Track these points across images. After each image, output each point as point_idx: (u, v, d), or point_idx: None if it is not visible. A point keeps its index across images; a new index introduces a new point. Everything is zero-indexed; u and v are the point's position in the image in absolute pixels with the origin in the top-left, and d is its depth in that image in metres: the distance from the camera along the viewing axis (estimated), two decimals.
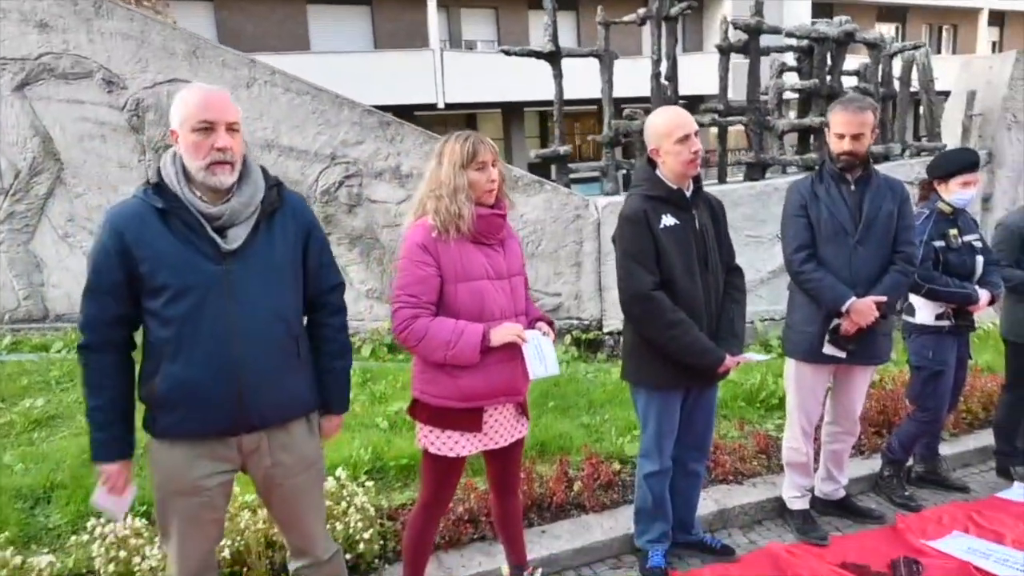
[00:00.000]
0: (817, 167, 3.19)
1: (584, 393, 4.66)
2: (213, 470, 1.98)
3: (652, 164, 2.74)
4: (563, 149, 6.14)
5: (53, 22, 5.48)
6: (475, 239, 2.30)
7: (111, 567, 2.55)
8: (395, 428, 4.02)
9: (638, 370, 2.82)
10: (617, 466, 3.62)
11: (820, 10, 24.51)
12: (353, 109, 5.52)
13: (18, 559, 2.54)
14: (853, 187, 3.04)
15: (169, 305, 1.86)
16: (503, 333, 2.24)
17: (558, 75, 5.96)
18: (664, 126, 2.68)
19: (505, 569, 2.78)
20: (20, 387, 4.61)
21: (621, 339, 2.97)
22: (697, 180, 2.76)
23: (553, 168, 6.50)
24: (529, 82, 20.01)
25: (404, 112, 13.39)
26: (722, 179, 6.62)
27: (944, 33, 27.77)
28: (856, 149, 2.99)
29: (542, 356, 2.28)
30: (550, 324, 2.42)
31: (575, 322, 5.73)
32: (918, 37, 25.41)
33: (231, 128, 1.90)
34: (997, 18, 28.10)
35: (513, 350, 2.28)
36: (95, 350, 1.91)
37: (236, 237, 1.92)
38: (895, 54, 7.22)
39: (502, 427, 2.40)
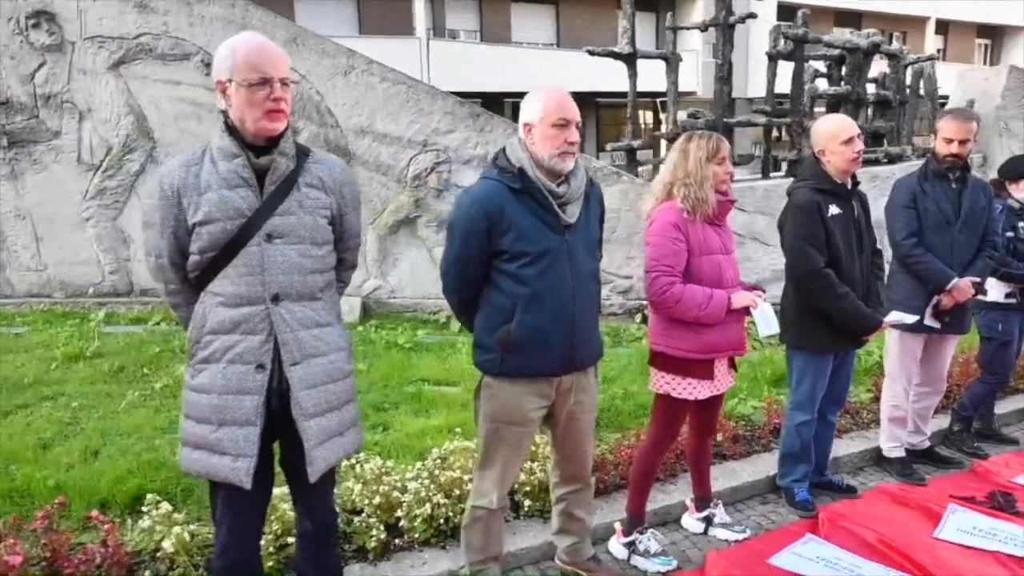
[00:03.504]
0: (922, 166, 3.76)
1: None
2: (537, 405, 2.42)
3: (818, 161, 3.27)
4: (636, 143, 6.66)
5: (153, 3, 5.66)
6: (710, 220, 2.78)
7: (376, 500, 2.94)
8: None
9: (799, 336, 3.34)
10: (731, 423, 4.17)
11: (785, 12, 25.65)
12: (446, 100, 5.88)
13: None
14: (954, 185, 3.64)
15: (526, 267, 2.28)
16: (741, 299, 2.74)
17: (633, 74, 6.45)
18: (831, 130, 3.20)
19: (689, 501, 3.29)
20: (152, 355, 4.84)
21: (780, 308, 3.48)
22: (854, 176, 3.30)
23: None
24: (508, 75, 20.57)
25: None
26: (766, 174, 7.24)
27: (895, 40, 29.36)
28: (961, 152, 3.59)
29: (767, 319, 2.78)
30: (763, 291, 2.92)
31: (645, 302, 6.24)
32: None
33: (577, 125, 2.34)
34: (943, 27, 29.90)
35: (740, 313, 2.79)
36: (467, 305, 2.36)
37: (573, 213, 2.35)
38: (908, 64, 7.99)
39: (722, 375, 2.90)
